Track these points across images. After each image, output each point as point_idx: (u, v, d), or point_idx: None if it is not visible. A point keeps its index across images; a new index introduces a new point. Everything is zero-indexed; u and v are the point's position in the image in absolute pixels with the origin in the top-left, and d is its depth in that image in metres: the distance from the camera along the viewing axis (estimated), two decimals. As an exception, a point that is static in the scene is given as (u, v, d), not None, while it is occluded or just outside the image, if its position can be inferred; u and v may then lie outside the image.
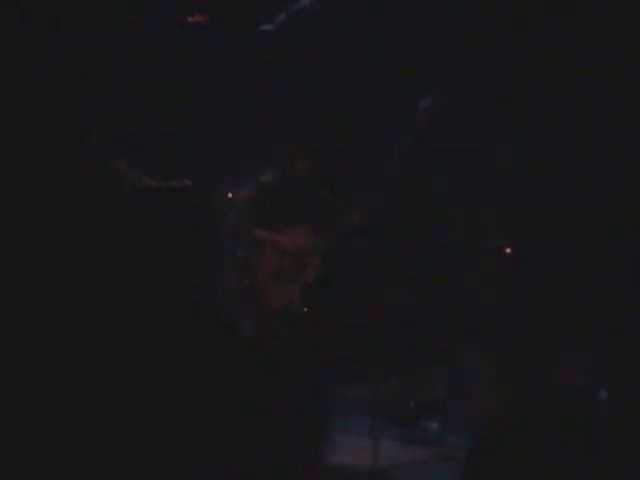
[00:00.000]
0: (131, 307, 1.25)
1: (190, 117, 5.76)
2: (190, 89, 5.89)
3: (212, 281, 3.80)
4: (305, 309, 4.93)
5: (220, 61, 5.93)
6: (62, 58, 2.73)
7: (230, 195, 4.54)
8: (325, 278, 4.02)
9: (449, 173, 5.06)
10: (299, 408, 1.28)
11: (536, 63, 5.72)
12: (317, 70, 5.97)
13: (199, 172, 5.39)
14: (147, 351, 1.23)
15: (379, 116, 6.05)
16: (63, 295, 1.26)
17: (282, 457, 1.26)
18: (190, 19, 5.55)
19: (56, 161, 2.47)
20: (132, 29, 5.76)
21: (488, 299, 4.88)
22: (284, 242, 4.08)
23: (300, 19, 5.88)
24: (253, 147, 5.09)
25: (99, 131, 4.86)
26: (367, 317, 5.46)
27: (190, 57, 5.85)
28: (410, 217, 5.35)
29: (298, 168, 4.64)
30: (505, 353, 4.73)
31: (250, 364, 1.24)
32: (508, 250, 4.82)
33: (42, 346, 1.22)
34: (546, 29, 5.73)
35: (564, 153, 5.62)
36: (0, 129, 2.12)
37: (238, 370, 1.24)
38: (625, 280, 5.33)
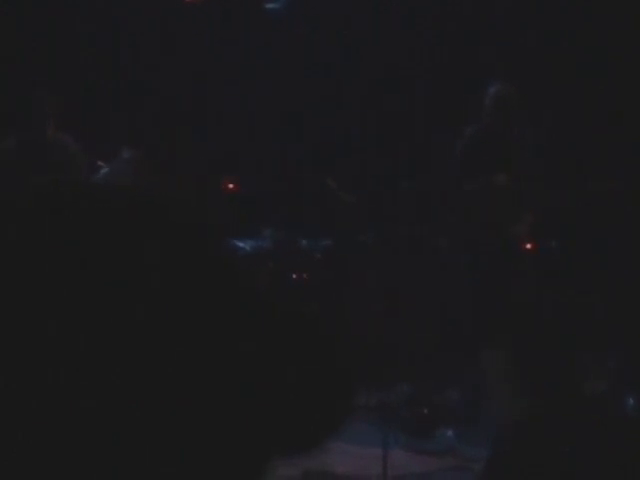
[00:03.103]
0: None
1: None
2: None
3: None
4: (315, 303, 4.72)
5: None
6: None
7: None
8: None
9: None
10: None
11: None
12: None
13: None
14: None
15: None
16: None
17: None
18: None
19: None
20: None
21: (514, 303, 4.69)
22: None
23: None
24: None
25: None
26: (380, 318, 5.25)
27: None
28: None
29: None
30: (527, 359, 4.55)
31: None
32: (529, 246, 4.62)
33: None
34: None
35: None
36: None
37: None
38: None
